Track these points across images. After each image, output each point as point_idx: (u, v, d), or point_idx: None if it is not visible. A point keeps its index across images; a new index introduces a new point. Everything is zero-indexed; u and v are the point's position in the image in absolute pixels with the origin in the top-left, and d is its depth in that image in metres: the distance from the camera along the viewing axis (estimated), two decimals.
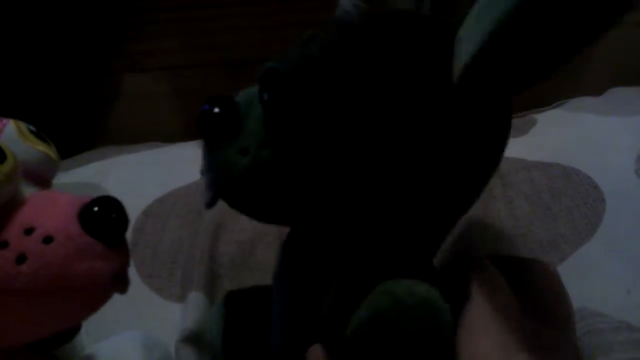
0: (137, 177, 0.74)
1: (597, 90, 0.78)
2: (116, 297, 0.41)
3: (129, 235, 0.58)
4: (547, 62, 0.31)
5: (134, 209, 0.67)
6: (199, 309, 0.56)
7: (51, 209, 0.37)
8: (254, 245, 0.63)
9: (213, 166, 0.38)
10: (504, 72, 0.33)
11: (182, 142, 0.81)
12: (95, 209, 0.37)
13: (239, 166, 0.36)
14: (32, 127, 0.41)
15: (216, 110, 0.37)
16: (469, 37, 0.32)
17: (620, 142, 0.65)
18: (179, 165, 0.76)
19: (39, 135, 0.41)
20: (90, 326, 0.45)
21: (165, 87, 0.96)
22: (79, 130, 0.97)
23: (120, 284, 0.39)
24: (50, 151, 0.41)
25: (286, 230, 0.65)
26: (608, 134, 0.66)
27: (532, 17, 0.29)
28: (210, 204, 0.39)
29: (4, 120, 0.40)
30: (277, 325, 0.42)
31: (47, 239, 0.35)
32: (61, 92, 0.96)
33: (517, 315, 0.35)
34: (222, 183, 0.38)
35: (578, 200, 0.60)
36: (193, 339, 0.53)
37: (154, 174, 0.74)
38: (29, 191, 0.38)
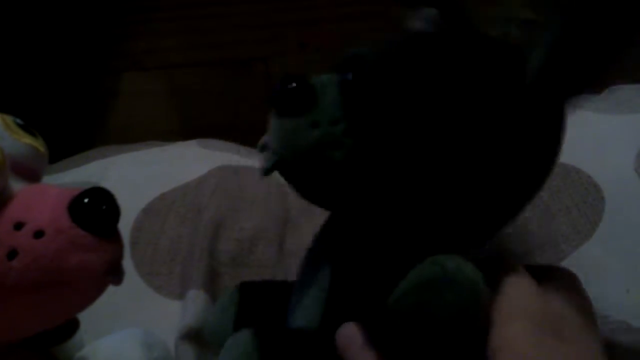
0: (136, 176, 0.73)
1: (596, 88, 0.77)
2: (115, 295, 0.41)
3: (128, 233, 0.58)
4: (611, 54, 0.34)
5: (133, 207, 0.67)
6: (198, 307, 0.56)
7: (41, 202, 0.37)
8: (254, 244, 0.63)
9: (281, 135, 0.38)
10: (575, 70, 0.35)
11: (182, 141, 0.81)
12: (85, 200, 0.37)
13: (308, 137, 0.37)
14: (19, 120, 0.41)
15: (293, 84, 0.38)
16: (540, 42, 0.35)
17: (620, 140, 0.64)
18: (178, 164, 0.76)
19: (26, 128, 0.41)
20: (89, 324, 0.45)
21: (165, 85, 0.96)
22: (79, 128, 0.97)
23: (115, 275, 0.39)
24: (38, 144, 0.41)
25: (283, 231, 0.66)
26: (608, 132, 0.66)
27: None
28: (268, 171, 0.39)
29: None
30: (310, 309, 0.42)
31: (38, 234, 0.35)
32: (61, 90, 0.96)
33: (556, 314, 0.36)
34: (288, 151, 0.38)
35: (577, 198, 0.59)
36: (192, 336, 0.53)
37: (154, 173, 0.74)
38: (17, 186, 0.38)
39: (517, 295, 0.35)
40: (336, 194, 0.39)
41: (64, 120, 0.93)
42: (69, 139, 0.78)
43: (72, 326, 0.44)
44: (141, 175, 0.74)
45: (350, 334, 0.37)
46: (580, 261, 0.54)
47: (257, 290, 0.48)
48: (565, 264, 0.54)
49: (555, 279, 0.39)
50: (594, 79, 0.36)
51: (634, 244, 0.54)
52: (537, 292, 0.36)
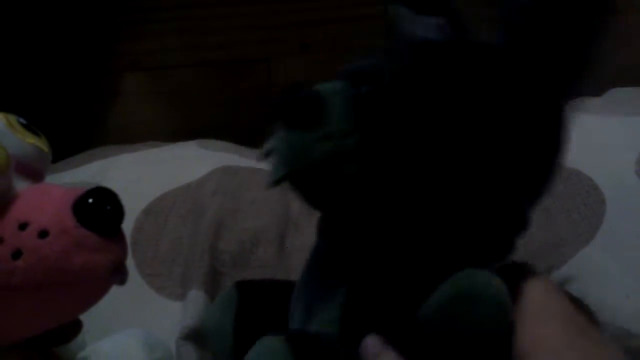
0: (137, 176, 0.74)
1: (597, 90, 0.77)
2: (117, 296, 0.41)
3: (129, 234, 0.58)
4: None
5: (134, 207, 0.68)
6: (199, 307, 0.56)
7: (45, 202, 0.37)
8: (255, 244, 0.63)
9: (291, 147, 0.38)
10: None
11: (182, 142, 0.82)
12: (90, 200, 0.37)
13: (321, 150, 0.36)
14: (22, 120, 0.41)
15: (301, 95, 0.37)
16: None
17: (621, 143, 0.64)
18: (178, 164, 0.76)
19: (30, 128, 0.41)
20: (90, 324, 0.45)
21: (165, 86, 0.96)
22: (78, 129, 0.97)
23: (119, 275, 0.39)
24: (41, 144, 0.41)
25: (285, 230, 0.66)
26: (608, 135, 0.66)
27: None
28: (277, 183, 0.39)
29: None
30: (319, 315, 0.41)
31: (43, 233, 0.35)
32: (60, 91, 0.96)
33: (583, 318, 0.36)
34: (300, 164, 0.37)
35: (578, 201, 0.59)
36: (193, 336, 0.53)
37: (154, 173, 0.74)
38: (21, 185, 0.38)
39: (542, 298, 0.35)
40: (346, 205, 0.39)
41: (63, 120, 0.93)
42: (68, 139, 0.78)
43: (75, 327, 0.44)
44: (142, 176, 0.74)
45: (376, 344, 0.37)
46: (581, 265, 0.54)
47: (256, 289, 0.48)
48: (566, 267, 0.54)
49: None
50: (581, 74, 0.36)
51: (634, 247, 0.54)
52: (558, 293, 0.36)
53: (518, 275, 0.37)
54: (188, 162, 0.76)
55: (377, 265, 0.39)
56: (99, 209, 0.37)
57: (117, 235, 0.39)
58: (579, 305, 0.38)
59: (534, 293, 0.35)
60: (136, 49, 0.94)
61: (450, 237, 0.38)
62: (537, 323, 0.34)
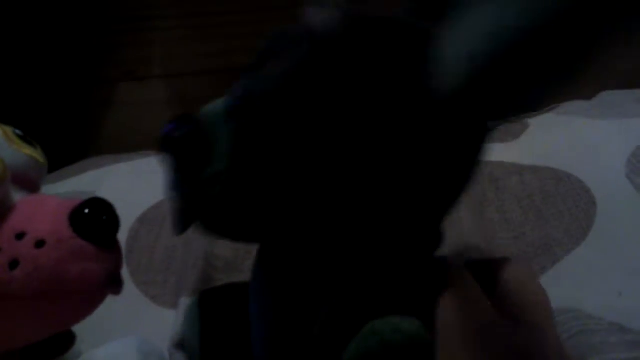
0: (132, 185, 0.74)
1: (588, 93, 0.78)
2: (111, 304, 0.41)
3: (123, 242, 0.58)
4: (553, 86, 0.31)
5: (129, 216, 0.68)
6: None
7: (41, 213, 0.37)
8: (249, 250, 0.63)
9: (183, 197, 0.36)
10: (498, 97, 0.31)
11: None
12: (86, 211, 0.37)
13: (212, 194, 0.34)
14: (18, 131, 0.41)
15: (184, 131, 0.35)
16: (457, 48, 0.30)
17: (611, 146, 0.65)
18: None
19: (26, 139, 0.41)
20: (84, 332, 0.45)
21: (159, 95, 0.96)
22: (73, 138, 0.97)
23: (114, 285, 0.39)
24: (37, 155, 0.41)
25: None
26: (599, 138, 0.67)
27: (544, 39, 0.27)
28: (183, 232, 0.37)
29: None
30: (260, 341, 0.41)
31: (39, 243, 0.35)
32: (55, 100, 0.96)
33: (487, 320, 0.35)
34: (196, 216, 0.36)
35: (570, 203, 0.60)
36: (182, 344, 0.53)
37: (149, 182, 0.74)
38: (18, 196, 0.38)
39: (447, 314, 0.35)
40: (262, 232, 0.37)
41: (58, 130, 0.93)
42: (62, 149, 0.78)
43: (69, 339, 0.44)
44: (136, 185, 0.74)
45: None
46: (573, 265, 0.55)
47: (217, 297, 0.48)
48: (558, 267, 0.55)
49: (508, 273, 0.39)
50: (519, 107, 0.32)
51: (625, 247, 0.55)
52: (478, 307, 0.36)
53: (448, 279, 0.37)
54: None
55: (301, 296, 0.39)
56: (95, 220, 0.38)
57: (113, 246, 0.39)
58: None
59: (442, 308, 0.36)
60: (132, 57, 0.94)
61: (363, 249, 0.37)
62: (443, 345, 0.34)
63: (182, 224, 0.36)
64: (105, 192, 0.72)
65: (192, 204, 0.35)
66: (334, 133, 0.33)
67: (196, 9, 0.92)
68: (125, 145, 0.85)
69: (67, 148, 0.87)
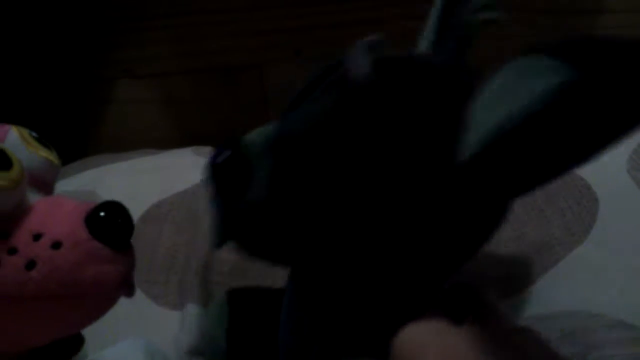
0: (132, 184, 0.74)
1: None
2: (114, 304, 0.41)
3: None
4: (561, 166, 0.31)
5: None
6: (196, 322, 0.56)
7: (58, 214, 0.37)
8: None
9: (221, 217, 0.39)
10: (510, 173, 0.31)
11: (176, 149, 0.82)
12: (102, 214, 0.37)
13: (247, 219, 0.37)
14: (33, 133, 0.41)
15: (225, 156, 0.37)
16: (478, 126, 0.31)
17: None
18: (173, 171, 0.76)
19: (41, 140, 0.41)
20: (88, 333, 0.45)
21: (157, 93, 0.96)
22: (71, 137, 0.97)
23: (127, 287, 0.39)
24: (52, 157, 0.41)
25: None
26: None
27: (558, 118, 0.28)
28: (219, 247, 0.40)
29: (6, 127, 0.39)
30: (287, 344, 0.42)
31: (56, 245, 0.35)
32: (53, 98, 0.96)
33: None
34: (231, 236, 0.39)
35: (571, 201, 0.60)
36: (195, 351, 0.53)
37: (150, 181, 0.74)
38: (34, 197, 0.38)
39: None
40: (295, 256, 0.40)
41: (57, 128, 0.93)
42: (61, 147, 0.77)
43: (78, 341, 0.44)
44: (137, 183, 0.74)
45: None
46: (575, 263, 0.55)
47: (247, 298, 0.48)
48: (560, 266, 0.55)
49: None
50: (533, 182, 0.32)
51: (627, 245, 0.55)
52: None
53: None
54: (183, 169, 0.76)
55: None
56: (111, 222, 0.38)
57: (127, 249, 0.39)
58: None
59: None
60: (129, 56, 0.94)
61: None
62: None
63: (219, 240, 0.39)
64: (105, 191, 0.72)
65: (230, 226, 0.38)
66: (360, 179, 0.35)
67: (195, 7, 0.92)
68: (124, 144, 0.85)
69: (66, 146, 0.86)
